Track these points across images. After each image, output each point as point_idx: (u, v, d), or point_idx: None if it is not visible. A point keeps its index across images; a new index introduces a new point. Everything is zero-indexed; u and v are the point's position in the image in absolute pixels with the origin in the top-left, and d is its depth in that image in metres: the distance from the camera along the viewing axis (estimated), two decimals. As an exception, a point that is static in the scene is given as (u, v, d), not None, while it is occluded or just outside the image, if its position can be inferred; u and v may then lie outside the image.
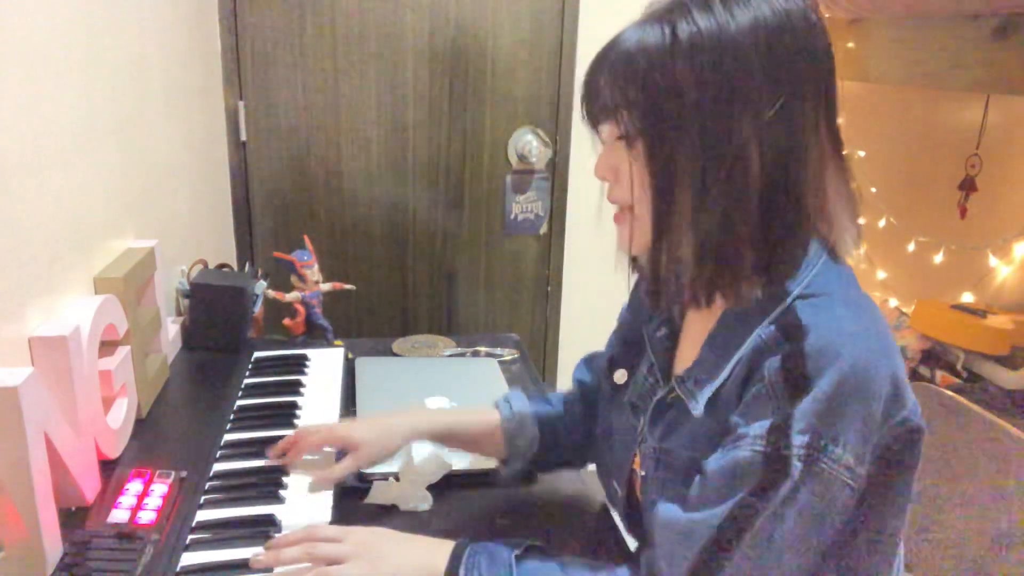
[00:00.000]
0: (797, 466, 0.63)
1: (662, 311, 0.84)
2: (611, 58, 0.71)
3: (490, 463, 1.07)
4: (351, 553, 0.80)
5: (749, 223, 0.69)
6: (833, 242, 0.73)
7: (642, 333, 0.88)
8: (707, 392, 0.73)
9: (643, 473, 0.80)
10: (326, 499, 0.94)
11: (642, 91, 0.69)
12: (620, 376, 0.89)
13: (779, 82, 0.67)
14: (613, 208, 0.78)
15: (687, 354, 0.80)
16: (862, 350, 0.64)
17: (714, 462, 0.68)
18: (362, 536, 0.83)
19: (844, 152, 0.75)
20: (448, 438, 1.02)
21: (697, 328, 0.79)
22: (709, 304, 0.73)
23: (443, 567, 0.79)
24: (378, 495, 1.01)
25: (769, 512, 0.64)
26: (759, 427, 0.65)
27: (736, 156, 0.67)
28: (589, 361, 1.05)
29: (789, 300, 0.69)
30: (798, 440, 0.63)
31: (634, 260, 0.81)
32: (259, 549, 0.81)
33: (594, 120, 0.76)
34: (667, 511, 0.71)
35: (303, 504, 0.93)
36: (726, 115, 0.67)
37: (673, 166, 0.69)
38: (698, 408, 0.74)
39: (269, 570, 0.79)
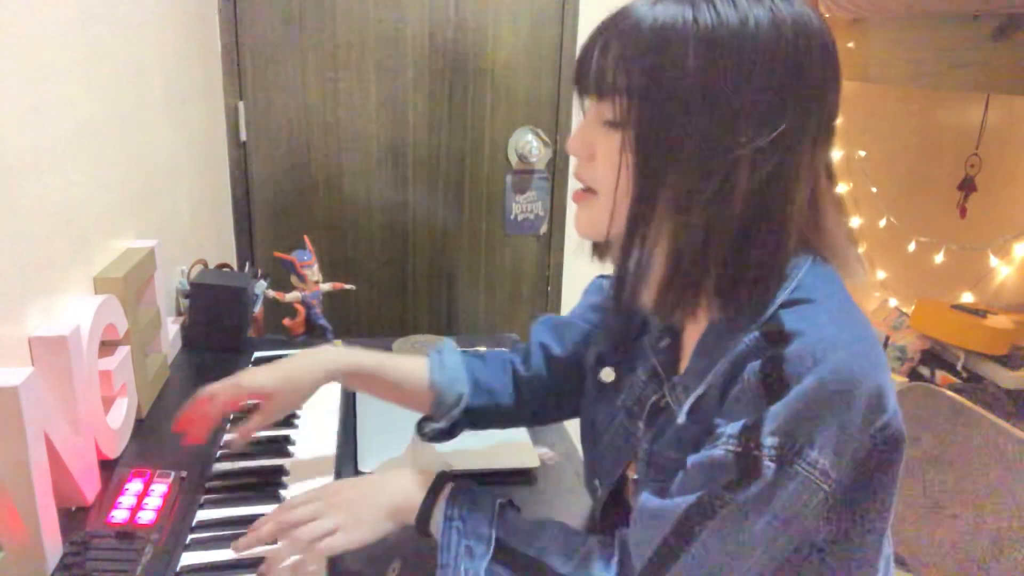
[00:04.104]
0: (770, 466, 0.62)
1: (621, 309, 0.82)
2: (620, 28, 0.66)
3: (490, 464, 1.07)
4: (325, 507, 0.80)
5: (725, 244, 0.66)
6: (827, 256, 0.72)
7: (636, 341, 0.86)
8: (691, 399, 0.73)
9: (635, 477, 0.80)
10: (326, 499, 0.94)
11: (648, 75, 0.64)
12: (607, 374, 0.87)
13: (787, 104, 0.63)
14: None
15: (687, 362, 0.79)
16: (845, 357, 0.62)
17: (693, 458, 0.68)
18: (333, 487, 0.84)
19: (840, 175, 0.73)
20: (370, 381, 0.96)
21: (695, 336, 0.78)
22: (669, 318, 0.71)
23: (418, 502, 0.79)
24: (378, 495, 1.01)
25: (737, 507, 0.64)
26: (733, 427, 0.65)
27: (726, 176, 0.64)
28: (557, 328, 0.99)
29: (775, 307, 0.68)
30: (768, 441, 0.62)
31: (597, 246, 0.78)
32: (259, 549, 0.81)
33: (585, 90, 0.70)
34: (645, 498, 0.72)
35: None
36: (728, 126, 0.63)
37: (663, 168, 0.65)
38: (681, 416, 0.73)
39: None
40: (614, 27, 0.67)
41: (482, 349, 1.53)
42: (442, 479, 0.82)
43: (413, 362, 0.97)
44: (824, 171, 0.70)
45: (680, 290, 0.69)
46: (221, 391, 0.91)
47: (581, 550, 0.76)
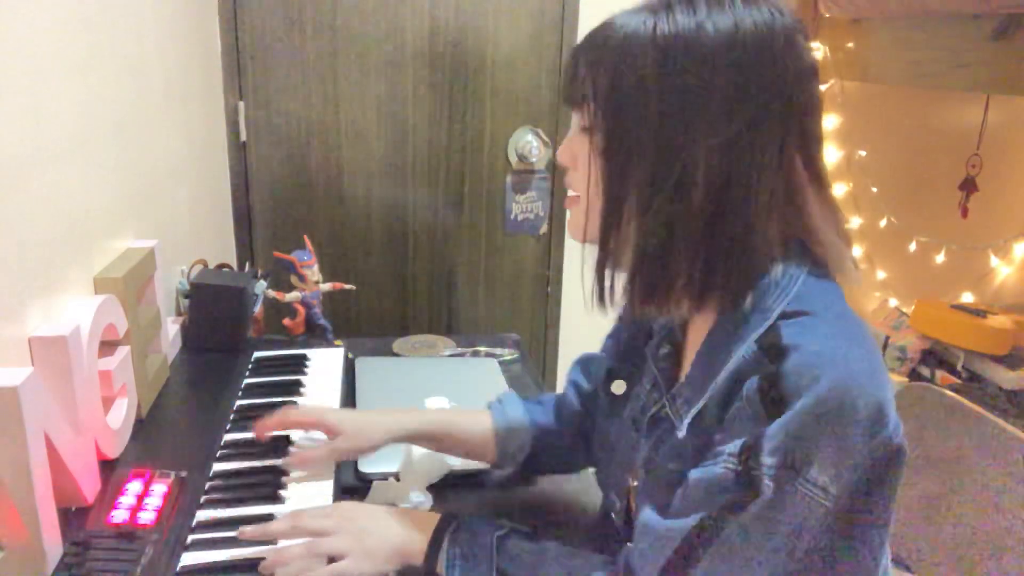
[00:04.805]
0: (769, 485, 0.63)
1: (604, 308, 0.84)
2: (594, 39, 0.71)
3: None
4: (337, 527, 0.82)
5: (690, 242, 0.68)
6: (823, 260, 0.72)
7: (643, 350, 0.87)
8: (692, 413, 0.73)
9: (635, 483, 0.80)
10: (326, 500, 0.94)
11: (610, 82, 0.68)
12: (618, 387, 0.88)
13: (742, 105, 0.65)
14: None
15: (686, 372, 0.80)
16: (843, 373, 0.62)
17: (694, 475, 0.69)
18: (348, 511, 0.86)
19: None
20: (438, 441, 1.01)
21: (695, 345, 0.78)
22: (643, 313, 0.73)
23: (424, 545, 0.81)
24: (378, 495, 1.01)
25: (739, 527, 0.64)
26: (733, 446, 0.65)
27: (682, 174, 0.67)
28: (585, 365, 1.04)
29: (772, 318, 0.68)
30: (768, 460, 0.63)
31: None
32: (259, 549, 0.81)
33: (566, 100, 0.75)
34: (647, 515, 0.72)
35: (303, 504, 0.93)
36: (681, 126, 0.66)
37: (625, 168, 0.69)
38: (681, 430, 0.74)
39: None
40: (591, 39, 0.71)
41: (482, 350, 1.54)
42: (447, 520, 0.83)
43: (480, 418, 1.03)
44: (807, 171, 0.70)
45: (646, 286, 0.71)
46: (305, 414, 1.01)
47: (583, 572, 0.77)
